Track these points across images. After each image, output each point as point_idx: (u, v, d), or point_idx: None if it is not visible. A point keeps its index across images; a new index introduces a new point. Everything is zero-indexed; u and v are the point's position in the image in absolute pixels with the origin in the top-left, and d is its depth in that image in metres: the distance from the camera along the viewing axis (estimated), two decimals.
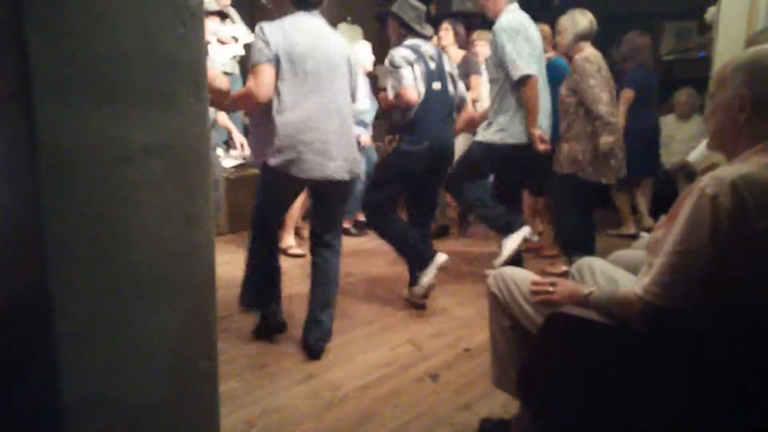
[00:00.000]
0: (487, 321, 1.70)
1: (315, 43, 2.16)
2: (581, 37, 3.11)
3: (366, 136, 4.33)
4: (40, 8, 0.78)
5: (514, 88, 2.96)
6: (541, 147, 2.96)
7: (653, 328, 1.15)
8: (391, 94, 2.75)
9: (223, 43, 3.95)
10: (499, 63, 3.00)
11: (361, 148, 4.17)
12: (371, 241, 4.38)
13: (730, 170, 1.11)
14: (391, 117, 2.90)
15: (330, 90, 2.20)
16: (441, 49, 4.19)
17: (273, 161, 2.14)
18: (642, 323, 1.16)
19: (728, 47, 3.47)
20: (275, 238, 2.49)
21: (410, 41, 2.78)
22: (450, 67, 2.92)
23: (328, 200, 2.39)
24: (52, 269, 0.84)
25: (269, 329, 2.47)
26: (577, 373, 1.31)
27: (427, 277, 2.79)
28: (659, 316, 1.13)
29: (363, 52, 4.38)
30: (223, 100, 2.15)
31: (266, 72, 2.07)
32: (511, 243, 3.04)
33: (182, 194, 0.96)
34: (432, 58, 2.78)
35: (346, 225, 4.57)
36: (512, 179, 3.47)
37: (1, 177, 0.95)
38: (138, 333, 0.95)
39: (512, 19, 2.98)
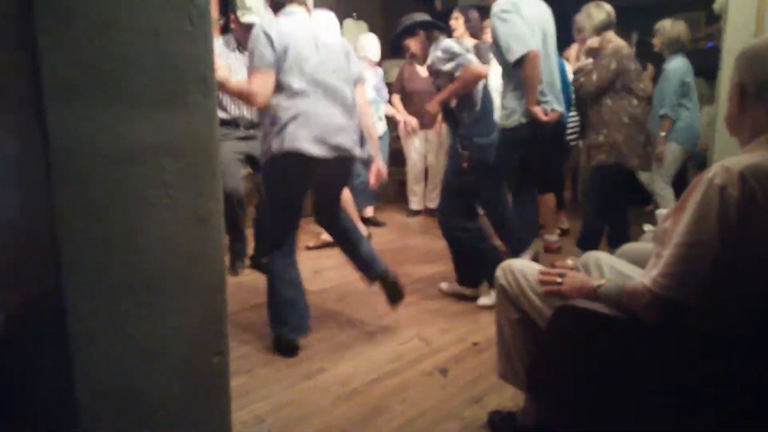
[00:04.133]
0: (495, 315, 1.70)
1: (313, 36, 2.27)
2: (602, 29, 3.13)
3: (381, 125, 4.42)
4: (50, 12, 0.79)
5: (515, 71, 2.94)
6: (544, 118, 2.92)
7: (662, 320, 1.15)
8: (457, 74, 2.70)
9: None
10: (498, 49, 3.00)
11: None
12: (377, 237, 4.39)
13: (738, 160, 1.10)
14: (451, 120, 2.88)
15: (333, 78, 2.28)
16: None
17: (288, 144, 2.16)
18: (651, 315, 1.16)
19: (737, 37, 3.44)
20: (294, 247, 2.42)
21: (451, 40, 2.81)
22: None
23: (333, 180, 2.48)
24: (65, 270, 0.85)
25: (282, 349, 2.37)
26: (586, 366, 1.32)
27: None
28: (668, 308, 1.13)
29: (369, 45, 4.37)
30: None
31: (268, 77, 2.15)
32: None
33: (192, 193, 0.97)
34: (469, 51, 2.80)
35: (367, 215, 4.66)
36: (531, 166, 3.30)
37: (15, 180, 0.96)
38: (151, 331, 0.96)
39: (503, 2, 2.93)
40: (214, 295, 1.03)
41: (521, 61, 2.85)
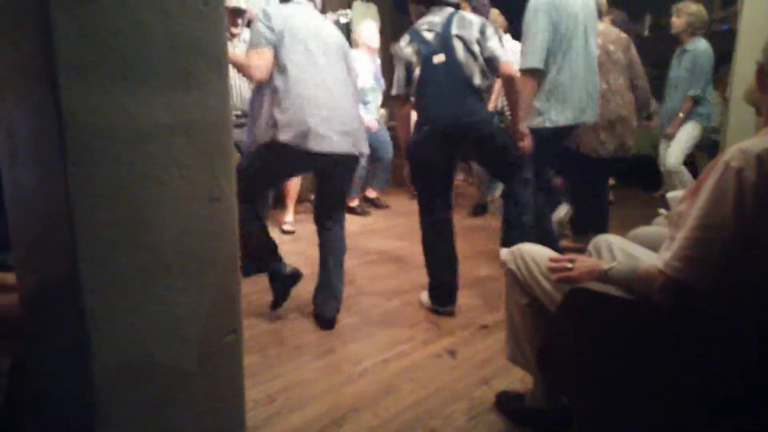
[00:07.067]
0: (504, 299, 1.71)
1: (315, 26, 2.30)
2: None
3: (368, 116, 4.29)
4: None
5: (544, 72, 2.82)
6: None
7: (675, 303, 1.15)
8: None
9: None
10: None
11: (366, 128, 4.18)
12: (384, 220, 4.40)
13: (756, 143, 1.08)
14: None
15: (331, 69, 2.30)
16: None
17: (283, 137, 2.17)
18: (663, 298, 1.15)
19: (753, 20, 3.37)
20: (256, 202, 2.54)
21: (426, 18, 2.46)
22: (461, 29, 2.38)
23: (333, 178, 2.47)
24: (80, 248, 0.86)
25: (285, 285, 2.47)
26: (597, 349, 1.32)
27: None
28: (681, 291, 1.13)
29: (368, 32, 4.32)
30: None
31: (266, 54, 2.18)
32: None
33: (205, 172, 0.97)
34: (430, 30, 2.41)
35: (352, 204, 4.64)
36: (553, 164, 3.26)
37: (29, 158, 0.97)
38: (166, 308, 0.97)
39: None
40: (228, 275, 1.04)
41: (522, 71, 2.77)
